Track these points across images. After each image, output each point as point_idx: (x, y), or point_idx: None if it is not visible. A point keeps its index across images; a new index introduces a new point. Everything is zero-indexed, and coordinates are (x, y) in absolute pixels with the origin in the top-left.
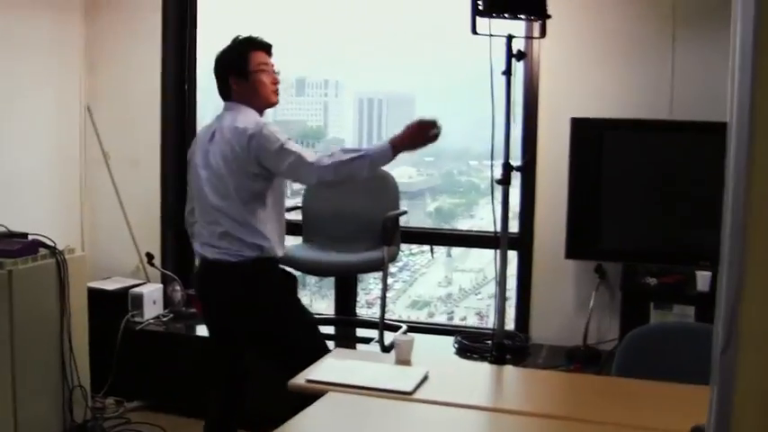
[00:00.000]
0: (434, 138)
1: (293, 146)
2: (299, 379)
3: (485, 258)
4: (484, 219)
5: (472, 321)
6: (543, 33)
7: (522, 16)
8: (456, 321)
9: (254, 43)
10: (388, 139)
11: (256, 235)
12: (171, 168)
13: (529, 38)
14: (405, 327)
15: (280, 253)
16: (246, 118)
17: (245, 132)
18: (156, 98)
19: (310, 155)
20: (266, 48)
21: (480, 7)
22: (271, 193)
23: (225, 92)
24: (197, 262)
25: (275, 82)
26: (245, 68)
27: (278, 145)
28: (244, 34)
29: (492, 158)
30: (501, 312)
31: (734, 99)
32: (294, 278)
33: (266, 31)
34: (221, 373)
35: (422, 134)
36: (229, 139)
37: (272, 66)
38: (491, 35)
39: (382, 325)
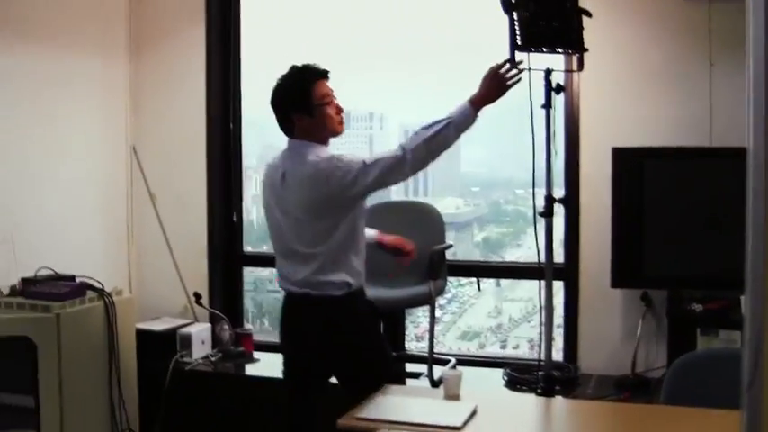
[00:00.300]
0: (513, 79)
1: (370, 158)
2: (349, 417)
3: (535, 287)
4: (532, 248)
5: (525, 349)
6: (581, 66)
7: (560, 50)
8: (508, 350)
9: (315, 73)
10: (468, 99)
11: (342, 273)
12: (217, 207)
13: (568, 71)
14: (453, 360)
15: (363, 282)
16: (316, 157)
17: (320, 175)
18: (201, 137)
19: (391, 153)
20: (326, 75)
21: (519, 42)
22: (354, 224)
23: (287, 128)
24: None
25: (339, 111)
26: (308, 103)
27: (357, 168)
28: (296, 62)
29: (534, 188)
30: (548, 345)
31: (750, 125)
32: (377, 309)
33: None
34: (291, 418)
35: (499, 82)
36: (304, 183)
37: (333, 93)
38: (529, 69)
39: (431, 359)
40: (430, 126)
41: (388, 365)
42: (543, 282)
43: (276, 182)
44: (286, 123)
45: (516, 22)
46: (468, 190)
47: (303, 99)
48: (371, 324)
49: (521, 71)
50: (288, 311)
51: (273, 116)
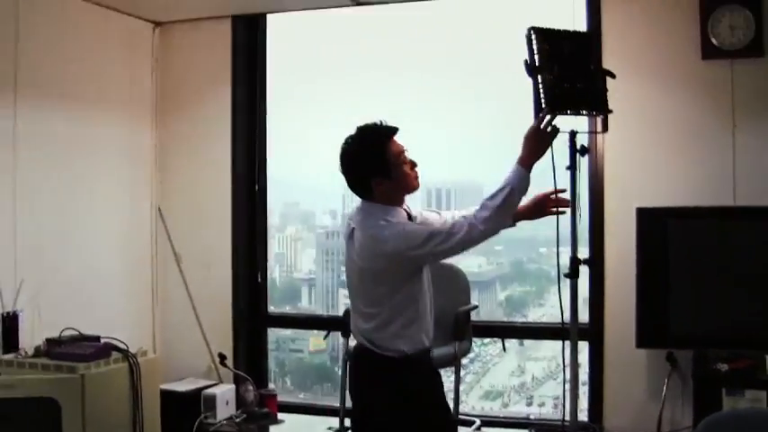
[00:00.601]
0: (554, 132)
1: (437, 228)
2: None
3: (558, 344)
4: (555, 306)
5: (549, 408)
6: (605, 128)
7: (585, 112)
8: (534, 408)
9: (387, 132)
10: (516, 162)
11: (397, 340)
12: (242, 268)
13: (592, 132)
14: (478, 422)
15: (428, 344)
16: (385, 222)
17: (386, 241)
18: (226, 198)
19: (460, 225)
20: (396, 132)
21: (543, 105)
22: (415, 292)
23: (363, 192)
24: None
25: (414, 166)
26: (386, 166)
27: (425, 238)
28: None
29: (558, 247)
30: (573, 407)
31: None
32: (438, 374)
33: (332, 127)
34: None
35: (542, 138)
36: (369, 247)
37: (405, 148)
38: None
39: (456, 421)
40: (494, 196)
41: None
42: (568, 342)
43: (346, 236)
44: (362, 188)
45: (540, 85)
46: (491, 248)
47: (381, 162)
48: (427, 389)
49: (556, 128)
50: (352, 360)
51: (298, 174)
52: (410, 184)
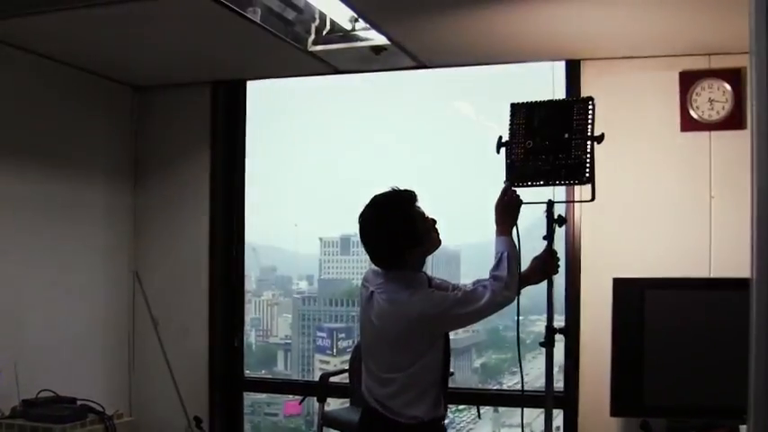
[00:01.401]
0: (517, 202)
1: (461, 295)
2: None
3: (534, 412)
4: (530, 374)
5: None
6: (593, 197)
7: (559, 182)
8: None
9: (411, 199)
10: (496, 234)
11: (413, 407)
12: (219, 332)
13: (570, 202)
14: None
15: (443, 412)
16: (410, 289)
17: (411, 309)
18: (203, 262)
19: (481, 292)
20: (417, 197)
21: (510, 179)
22: (435, 358)
23: (393, 263)
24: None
25: (434, 223)
26: (417, 235)
27: (450, 302)
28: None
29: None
30: None
31: (754, 256)
32: None
33: (309, 191)
34: None
35: (505, 208)
36: (395, 313)
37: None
38: (528, 202)
39: None
40: (497, 267)
41: None
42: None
43: (364, 299)
44: (393, 259)
45: (509, 160)
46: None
47: (413, 231)
48: None
49: (519, 199)
50: (361, 423)
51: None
52: (437, 244)
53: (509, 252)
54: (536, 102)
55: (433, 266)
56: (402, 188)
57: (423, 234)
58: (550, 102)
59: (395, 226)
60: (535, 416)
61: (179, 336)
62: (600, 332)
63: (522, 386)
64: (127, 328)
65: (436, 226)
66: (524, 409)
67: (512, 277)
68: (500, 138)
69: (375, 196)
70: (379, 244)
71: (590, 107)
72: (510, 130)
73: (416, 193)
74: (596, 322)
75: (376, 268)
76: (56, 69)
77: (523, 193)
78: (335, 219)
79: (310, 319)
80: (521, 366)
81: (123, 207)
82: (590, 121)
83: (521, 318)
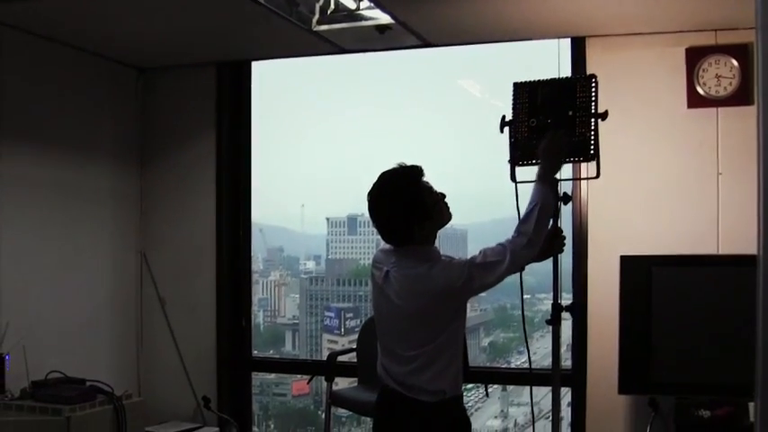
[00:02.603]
0: (562, 142)
1: (480, 260)
2: None
3: (542, 391)
4: (538, 353)
5: None
6: (598, 174)
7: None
8: None
9: (417, 174)
10: (535, 179)
11: (438, 380)
12: (226, 312)
13: (576, 179)
14: None
15: (459, 391)
16: (427, 261)
17: (435, 281)
18: (210, 243)
19: (501, 252)
20: (423, 171)
21: (515, 159)
22: (457, 329)
23: (404, 238)
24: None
25: (443, 197)
26: (426, 209)
27: (471, 270)
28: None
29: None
30: None
31: (760, 233)
32: (469, 422)
33: (316, 171)
34: None
35: (553, 152)
36: (416, 289)
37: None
38: (533, 181)
39: None
40: (526, 220)
41: None
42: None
43: (379, 280)
44: (403, 235)
45: (513, 139)
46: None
47: (421, 206)
48: None
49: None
50: (380, 405)
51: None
52: (446, 218)
53: (542, 204)
54: (539, 80)
55: (440, 246)
56: (408, 164)
57: (431, 207)
58: (553, 80)
59: (403, 200)
60: (543, 394)
61: (187, 316)
62: (607, 310)
63: (530, 364)
64: (135, 310)
65: (445, 200)
66: (533, 387)
67: (537, 234)
68: (503, 117)
69: (382, 173)
70: (389, 220)
71: (593, 84)
72: (513, 108)
73: (423, 167)
74: (603, 300)
75: (386, 247)
76: (61, 52)
77: (527, 172)
78: (342, 199)
79: (318, 298)
80: (527, 344)
81: (130, 188)
82: (593, 99)
83: (528, 296)
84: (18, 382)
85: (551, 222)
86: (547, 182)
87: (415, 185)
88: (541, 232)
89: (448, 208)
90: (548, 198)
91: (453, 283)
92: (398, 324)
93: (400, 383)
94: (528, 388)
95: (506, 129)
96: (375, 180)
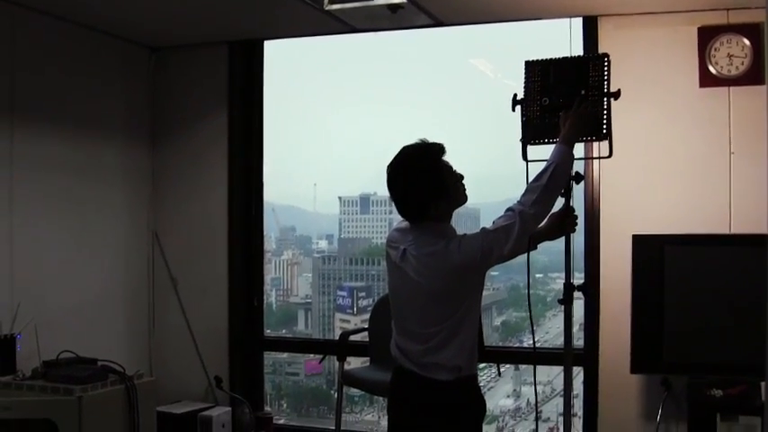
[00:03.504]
0: (589, 113)
1: (492, 231)
2: None
3: (554, 370)
4: (550, 332)
5: None
6: (611, 153)
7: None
8: None
9: (439, 152)
10: (558, 141)
11: (454, 356)
12: (238, 292)
13: (588, 159)
14: None
15: (475, 370)
16: (443, 238)
17: (454, 257)
18: (222, 222)
19: (509, 217)
20: (445, 150)
21: (526, 137)
22: (474, 305)
23: (420, 215)
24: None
25: (461, 178)
26: (444, 187)
27: (488, 240)
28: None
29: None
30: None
31: None
32: (484, 402)
33: (328, 150)
34: None
35: (583, 119)
36: (436, 265)
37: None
38: (544, 160)
39: None
40: (539, 177)
41: None
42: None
43: (396, 259)
44: (420, 212)
45: (525, 118)
46: (487, 274)
47: (440, 183)
48: (474, 419)
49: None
50: (394, 385)
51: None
52: (463, 198)
53: (558, 162)
54: (551, 59)
55: (455, 225)
56: (430, 141)
57: (449, 186)
58: (566, 59)
59: (422, 176)
60: (556, 373)
61: (198, 296)
62: (619, 289)
63: (534, 344)
64: (147, 289)
65: (463, 182)
66: (545, 366)
67: (548, 190)
68: (515, 95)
69: (404, 147)
70: (406, 193)
71: (605, 63)
72: (525, 87)
73: (444, 146)
74: (616, 279)
75: (401, 226)
76: (73, 32)
77: (539, 150)
78: (354, 178)
79: (330, 278)
80: (531, 324)
81: (142, 168)
82: (606, 78)
83: (540, 275)
84: (30, 362)
85: (564, 201)
86: (567, 143)
87: (435, 162)
88: (553, 192)
89: (465, 190)
90: (565, 159)
91: (472, 256)
92: (417, 302)
93: (416, 363)
94: (542, 368)
95: (518, 108)
96: (396, 153)
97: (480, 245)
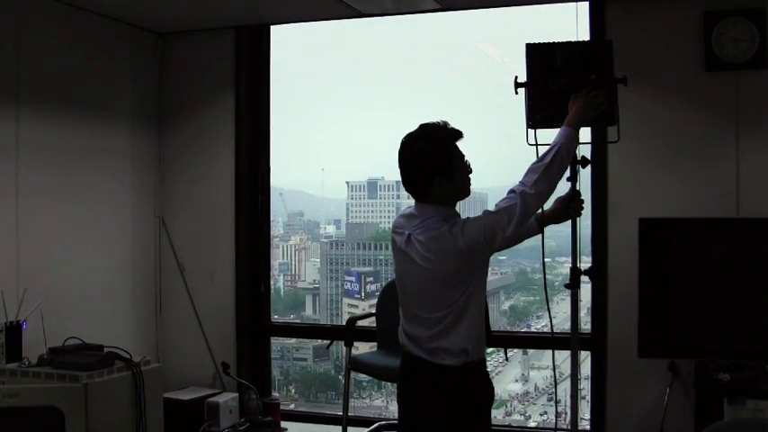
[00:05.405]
0: (601, 99)
1: (495, 213)
2: None
3: (562, 355)
4: (558, 317)
5: (551, 416)
6: (618, 137)
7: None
8: (536, 417)
9: (454, 134)
10: (564, 123)
11: (460, 340)
12: (245, 277)
13: (594, 143)
14: None
15: (483, 354)
16: (447, 221)
17: (454, 240)
18: (229, 208)
19: (511, 198)
20: (462, 136)
21: (531, 122)
22: (479, 289)
23: (423, 193)
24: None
25: (470, 172)
26: (452, 168)
27: (491, 223)
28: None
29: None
30: (574, 415)
31: None
32: (492, 388)
33: (336, 135)
34: None
35: (592, 105)
36: (441, 249)
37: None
38: (545, 144)
39: None
40: (542, 157)
41: None
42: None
43: (401, 245)
44: (423, 188)
45: (531, 102)
46: (495, 258)
47: (447, 163)
48: (481, 404)
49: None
50: (403, 372)
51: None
52: (467, 190)
53: (562, 143)
54: (556, 42)
55: (460, 210)
56: (449, 125)
57: (457, 170)
58: (570, 43)
59: (430, 154)
60: (564, 358)
61: (205, 281)
62: (627, 273)
63: (552, 328)
64: (153, 275)
65: (470, 175)
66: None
67: (550, 170)
68: (516, 78)
69: (423, 123)
70: (412, 170)
71: (611, 49)
72: (530, 71)
73: (463, 133)
74: (623, 263)
75: (406, 212)
76: (80, 17)
77: (545, 134)
78: (362, 163)
79: (338, 263)
80: (548, 308)
81: (148, 153)
82: (611, 63)
83: (548, 260)
84: (36, 348)
85: (570, 186)
86: (573, 126)
87: (447, 143)
88: (555, 172)
89: (470, 184)
90: (570, 141)
91: (475, 239)
92: (423, 286)
93: (425, 349)
94: (548, 352)
95: (521, 90)
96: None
97: (482, 226)
